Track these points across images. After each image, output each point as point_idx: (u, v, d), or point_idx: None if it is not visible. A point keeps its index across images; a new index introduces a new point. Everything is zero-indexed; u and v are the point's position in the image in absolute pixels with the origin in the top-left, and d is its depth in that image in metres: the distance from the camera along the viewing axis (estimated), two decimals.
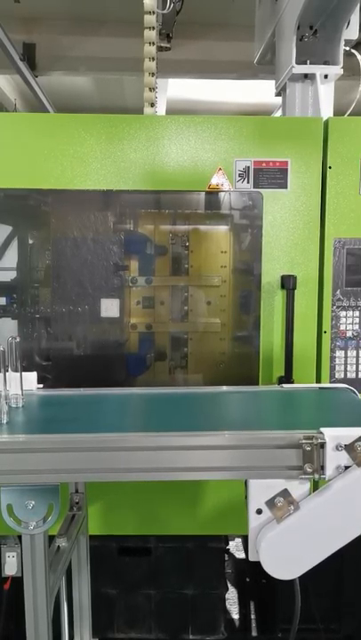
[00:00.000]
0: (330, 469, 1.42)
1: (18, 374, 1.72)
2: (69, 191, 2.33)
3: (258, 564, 1.48)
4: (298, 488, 1.46)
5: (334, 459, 1.41)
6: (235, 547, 3.13)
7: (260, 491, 1.46)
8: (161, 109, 7.59)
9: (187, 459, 1.46)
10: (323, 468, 1.42)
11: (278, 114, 6.52)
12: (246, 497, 1.52)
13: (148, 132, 2.27)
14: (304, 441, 1.43)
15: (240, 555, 3.11)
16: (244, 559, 3.06)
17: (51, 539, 1.63)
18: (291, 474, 1.44)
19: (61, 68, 6.13)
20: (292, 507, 1.44)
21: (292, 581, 1.64)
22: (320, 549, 1.43)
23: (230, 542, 3.05)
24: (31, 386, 1.91)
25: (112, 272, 2.71)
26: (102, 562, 2.43)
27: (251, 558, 1.48)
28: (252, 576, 2.97)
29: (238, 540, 3.16)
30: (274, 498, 1.45)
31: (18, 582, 2.45)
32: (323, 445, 1.42)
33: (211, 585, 2.57)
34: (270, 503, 1.45)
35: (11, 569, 2.44)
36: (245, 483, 1.54)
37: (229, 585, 2.83)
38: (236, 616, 2.84)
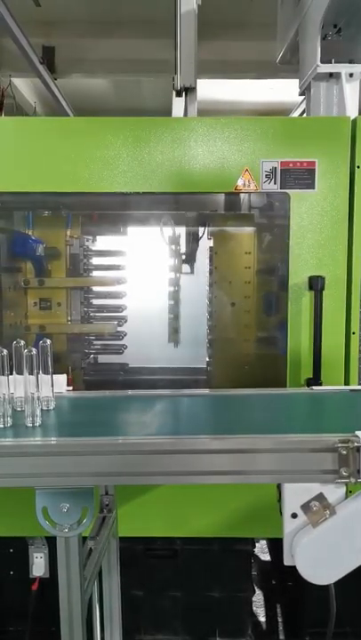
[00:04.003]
0: None
1: (49, 377, 1.72)
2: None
3: (284, 566, 1.47)
4: (333, 492, 1.44)
5: None
6: (260, 549, 3.11)
7: (295, 495, 1.45)
8: (180, 111, 7.59)
9: (220, 462, 1.45)
10: (359, 472, 1.40)
11: (297, 113, 6.50)
12: (280, 500, 1.51)
13: (174, 134, 2.26)
14: (340, 444, 1.41)
15: (265, 557, 3.09)
16: (269, 561, 3.04)
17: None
18: (326, 478, 1.43)
19: (80, 71, 6.16)
20: (328, 511, 1.43)
21: (322, 585, 1.62)
22: (357, 554, 1.42)
23: (256, 544, 3.03)
24: (61, 388, 1.92)
25: None
26: (129, 564, 2.43)
27: (286, 563, 1.46)
28: (278, 578, 2.95)
29: (263, 542, 3.14)
30: (309, 502, 1.44)
31: (44, 583, 2.48)
32: (359, 449, 1.40)
33: (237, 587, 2.55)
34: (306, 507, 1.44)
35: (39, 570, 2.45)
36: (278, 486, 1.53)
37: (256, 587, 2.82)
38: (263, 619, 2.82)
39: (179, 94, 3.03)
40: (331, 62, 2.78)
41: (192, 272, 3.05)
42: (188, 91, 3.00)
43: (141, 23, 5.63)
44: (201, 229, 2.99)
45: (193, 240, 3.00)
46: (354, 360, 2.30)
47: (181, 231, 3.01)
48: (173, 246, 2.95)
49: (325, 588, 1.84)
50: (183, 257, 2.99)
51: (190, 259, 3.01)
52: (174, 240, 2.94)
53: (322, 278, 2.25)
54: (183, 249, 2.99)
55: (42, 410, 1.66)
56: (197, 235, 3.01)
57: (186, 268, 3.07)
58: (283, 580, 2.87)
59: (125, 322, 3.13)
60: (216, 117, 2.28)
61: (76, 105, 7.03)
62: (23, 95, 7.14)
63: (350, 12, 2.75)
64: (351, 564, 1.43)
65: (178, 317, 3.02)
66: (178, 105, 7.46)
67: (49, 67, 5.77)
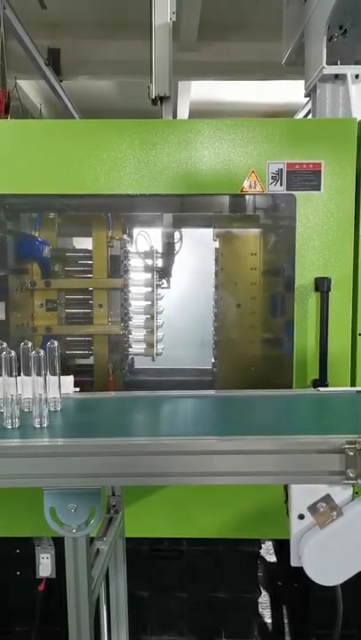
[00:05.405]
0: None
1: (56, 378, 1.73)
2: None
3: (289, 567, 1.47)
4: (340, 493, 1.44)
5: None
6: (265, 550, 3.11)
7: (302, 496, 1.45)
8: (184, 112, 7.61)
9: (226, 463, 1.46)
10: None
11: (301, 114, 6.50)
12: (287, 502, 1.51)
13: (180, 136, 2.27)
14: (347, 446, 1.41)
15: (271, 558, 3.09)
16: (275, 562, 3.04)
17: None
18: (333, 479, 1.43)
19: (85, 72, 6.19)
20: (335, 512, 1.43)
21: (329, 586, 1.62)
22: None
23: (262, 545, 3.03)
24: (68, 389, 1.93)
25: None
26: (134, 564, 2.43)
27: (293, 564, 1.47)
28: (284, 580, 2.95)
29: (269, 544, 3.14)
30: (316, 503, 1.44)
31: (51, 583, 2.48)
32: None
33: (243, 588, 2.55)
34: (313, 509, 1.44)
35: (45, 570, 2.46)
36: (285, 487, 1.53)
37: (261, 589, 2.81)
38: (268, 620, 2.82)
39: (154, 103, 3.02)
40: (336, 64, 2.78)
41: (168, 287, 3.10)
42: (164, 99, 3.00)
43: (145, 25, 5.64)
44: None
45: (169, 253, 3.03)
46: (360, 361, 2.30)
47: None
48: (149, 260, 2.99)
49: (332, 589, 1.84)
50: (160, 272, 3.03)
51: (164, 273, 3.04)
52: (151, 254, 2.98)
53: (328, 279, 2.25)
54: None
55: (49, 411, 1.67)
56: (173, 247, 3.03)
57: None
58: (289, 582, 2.86)
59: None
60: (222, 119, 2.29)
61: (81, 106, 7.05)
62: (28, 97, 7.17)
63: (356, 13, 2.76)
64: (359, 565, 1.43)
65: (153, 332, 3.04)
66: (182, 107, 7.49)
67: (54, 68, 5.79)
